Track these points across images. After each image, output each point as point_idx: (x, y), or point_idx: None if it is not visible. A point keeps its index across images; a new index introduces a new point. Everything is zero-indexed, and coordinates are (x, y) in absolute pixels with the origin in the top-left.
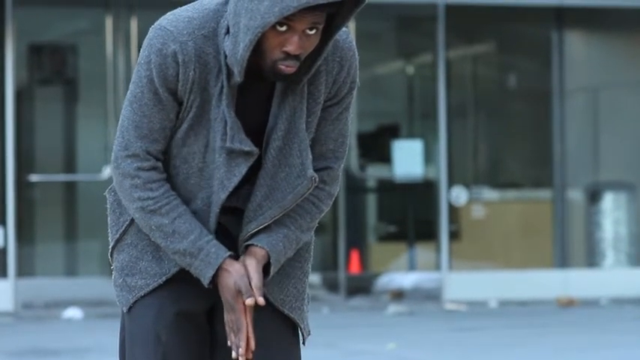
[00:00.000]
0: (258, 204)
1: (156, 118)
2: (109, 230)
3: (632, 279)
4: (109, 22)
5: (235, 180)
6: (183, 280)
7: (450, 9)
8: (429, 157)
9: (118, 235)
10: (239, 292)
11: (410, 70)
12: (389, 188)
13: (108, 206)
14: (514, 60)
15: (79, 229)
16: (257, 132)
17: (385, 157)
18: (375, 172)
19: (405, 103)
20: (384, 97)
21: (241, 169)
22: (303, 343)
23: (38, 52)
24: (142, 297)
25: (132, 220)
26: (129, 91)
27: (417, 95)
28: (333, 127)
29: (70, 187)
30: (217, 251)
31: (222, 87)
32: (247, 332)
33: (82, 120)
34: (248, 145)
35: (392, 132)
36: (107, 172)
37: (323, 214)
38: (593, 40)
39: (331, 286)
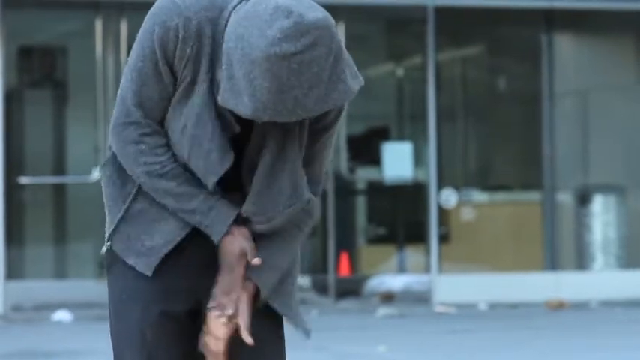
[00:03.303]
0: (253, 202)
1: (155, 89)
2: (112, 203)
3: (622, 281)
4: (98, 25)
5: (227, 165)
6: (167, 279)
7: (439, 11)
8: (418, 159)
9: (127, 205)
10: (243, 254)
11: (399, 72)
12: (379, 191)
13: (104, 181)
14: (504, 62)
15: (69, 232)
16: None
17: (375, 160)
18: (364, 175)
19: (395, 106)
20: (374, 100)
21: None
22: (308, 337)
23: (28, 55)
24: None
25: (139, 187)
26: (130, 59)
27: (407, 98)
28: (320, 152)
29: (60, 190)
30: (228, 210)
31: (212, 76)
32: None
33: (71, 122)
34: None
35: (381, 134)
36: (97, 174)
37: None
38: (582, 42)
39: (321, 288)
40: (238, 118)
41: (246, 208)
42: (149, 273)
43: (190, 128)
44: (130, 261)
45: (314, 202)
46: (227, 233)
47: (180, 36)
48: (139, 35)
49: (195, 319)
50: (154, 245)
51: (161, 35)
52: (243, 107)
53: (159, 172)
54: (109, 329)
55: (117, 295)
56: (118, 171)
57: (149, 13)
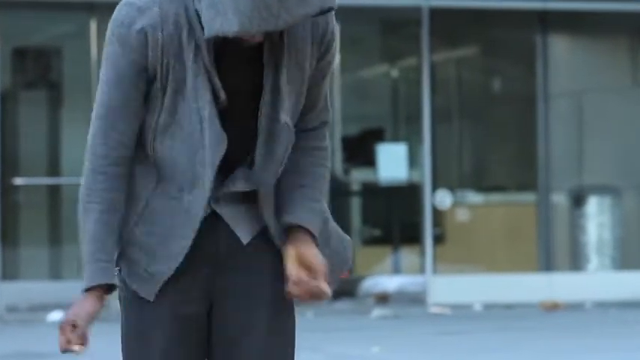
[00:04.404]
0: (261, 166)
1: (115, 95)
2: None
3: (616, 283)
4: (93, 26)
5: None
6: (179, 282)
7: (434, 13)
8: (413, 160)
9: (129, 227)
10: (70, 321)
11: (394, 73)
12: (373, 192)
13: None
14: (498, 64)
15: (64, 233)
16: (246, 92)
17: (369, 161)
18: (359, 176)
19: (390, 107)
20: (369, 101)
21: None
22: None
23: (23, 56)
24: (160, 289)
25: (143, 210)
26: (102, 71)
27: (402, 99)
28: (324, 84)
29: (55, 191)
30: (96, 276)
31: (196, 43)
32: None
33: (66, 123)
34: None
35: (376, 135)
36: None
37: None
38: (576, 44)
39: None
40: (226, 81)
41: (258, 152)
42: (151, 299)
43: (192, 103)
44: (134, 287)
45: (327, 132)
46: (87, 291)
47: (145, 26)
48: (106, 46)
49: (209, 318)
50: (156, 271)
51: (121, 33)
52: (229, 25)
53: (84, 198)
54: (119, 333)
55: (127, 300)
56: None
57: (112, 19)
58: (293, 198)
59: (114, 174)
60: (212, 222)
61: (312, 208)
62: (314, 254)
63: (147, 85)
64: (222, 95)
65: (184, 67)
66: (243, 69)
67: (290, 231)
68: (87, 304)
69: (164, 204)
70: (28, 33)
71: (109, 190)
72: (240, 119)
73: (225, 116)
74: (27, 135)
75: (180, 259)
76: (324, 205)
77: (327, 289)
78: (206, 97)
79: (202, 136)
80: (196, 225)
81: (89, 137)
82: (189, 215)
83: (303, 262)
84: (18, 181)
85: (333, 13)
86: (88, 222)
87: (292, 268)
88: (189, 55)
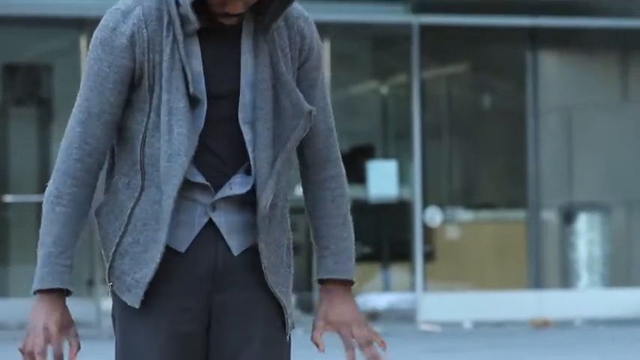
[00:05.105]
0: (267, 160)
1: (95, 101)
2: (106, 241)
3: (606, 300)
4: (83, 43)
5: (200, 125)
6: (177, 299)
7: (424, 29)
8: (403, 177)
9: (117, 239)
10: (36, 327)
11: (384, 90)
12: (363, 209)
13: (98, 223)
14: (488, 80)
15: None
16: (231, 94)
17: (360, 178)
18: (349, 193)
19: (380, 124)
20: (359, 118)
21: (200, 120)
22: (287, 333)
23: (13, 73)
24: (161, 306)
25: (129, 219)
26: (85, 75)
27: (392, 115)
28: (319, 94)
29: None
30: (50, 277)
31: (174, 36)
32: None
33: (56, 140)
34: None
35: (366, 152)
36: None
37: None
38: (566, 60)
39: (306, 306)
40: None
41: (262, 142)
42: (137, 305)
43: (164, 95)
44: (124, 297)
45: (339, 154)
46: (37, 297)
47: (130, 25)
48: (90, 52)
49: (208, 337)
50: (140, 277)
51: (104, 37)
52: None
53: (51, 199)
54: (114, 352)
55: (124, 318)
56: (110, 208)
57: (98, 26)
58: (319, 246)
59: (84, 181)
60: (209, 233)
61: (341, 250)
62: (340, 314)
63: (131, 92)
64: (192, 88)
65: (163, 61)
66: (228, 69)
67: (322, 284)
68: (36, 312)
69: (148, 210)
70: (19, 49)
71: (78, 196)
72: (230, 123)
73: (215, 121)
74: (17, 152)
75: (158, 260)
76: (351, 235)
77: (365, 333)
78: (180, 89)
79: (171, 129)
80: (166, 223)
81: (64, 140)
82: (162, 215)
83: (334, 326)
84: (8, 198)
85: (311, 21)
86: (53, 224)
87: (317, 338)
88: (166, 49)
